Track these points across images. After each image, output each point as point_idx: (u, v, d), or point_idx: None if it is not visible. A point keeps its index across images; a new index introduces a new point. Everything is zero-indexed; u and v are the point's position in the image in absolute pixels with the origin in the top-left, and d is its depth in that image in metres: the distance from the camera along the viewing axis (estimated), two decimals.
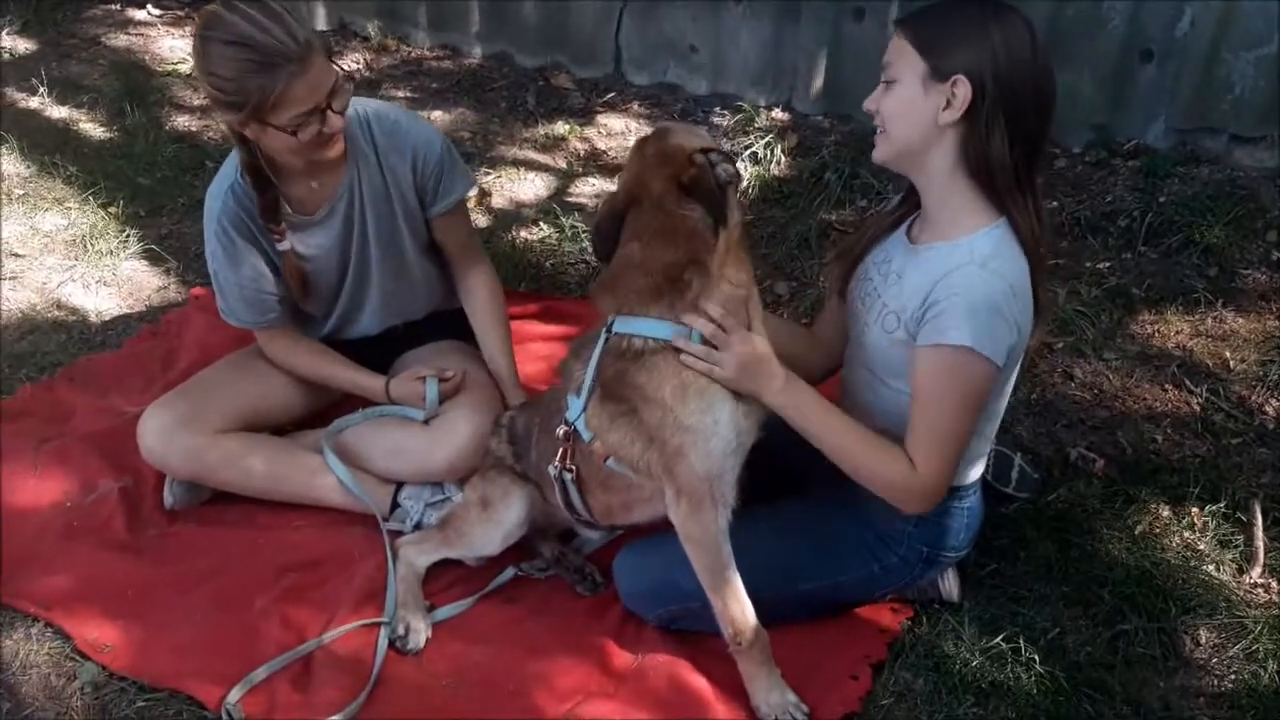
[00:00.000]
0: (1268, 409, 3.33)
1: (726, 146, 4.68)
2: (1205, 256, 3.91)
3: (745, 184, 2.33)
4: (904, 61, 2.21)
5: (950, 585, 2.72)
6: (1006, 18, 2.20)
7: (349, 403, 3.17)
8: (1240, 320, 3.66)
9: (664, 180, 2.30)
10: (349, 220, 2.89)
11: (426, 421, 2.95)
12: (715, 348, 2.29)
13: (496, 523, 2.72)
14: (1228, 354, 3.53)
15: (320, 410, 3.19)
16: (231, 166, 2.81)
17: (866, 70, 4.65)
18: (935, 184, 2.30)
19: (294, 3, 5.59)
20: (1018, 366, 2.40)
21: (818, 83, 4.86)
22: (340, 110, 2.61)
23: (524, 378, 3.39)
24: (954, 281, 2.20)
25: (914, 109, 2.22)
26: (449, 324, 3.23)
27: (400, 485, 2.98)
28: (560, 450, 2.52)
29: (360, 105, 2.86)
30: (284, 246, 2.85)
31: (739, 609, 2.40)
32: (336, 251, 2.93)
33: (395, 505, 2.96)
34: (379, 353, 3.16)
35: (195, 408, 2.92)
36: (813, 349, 2.75)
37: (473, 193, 2.98)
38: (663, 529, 2.49)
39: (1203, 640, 2.65)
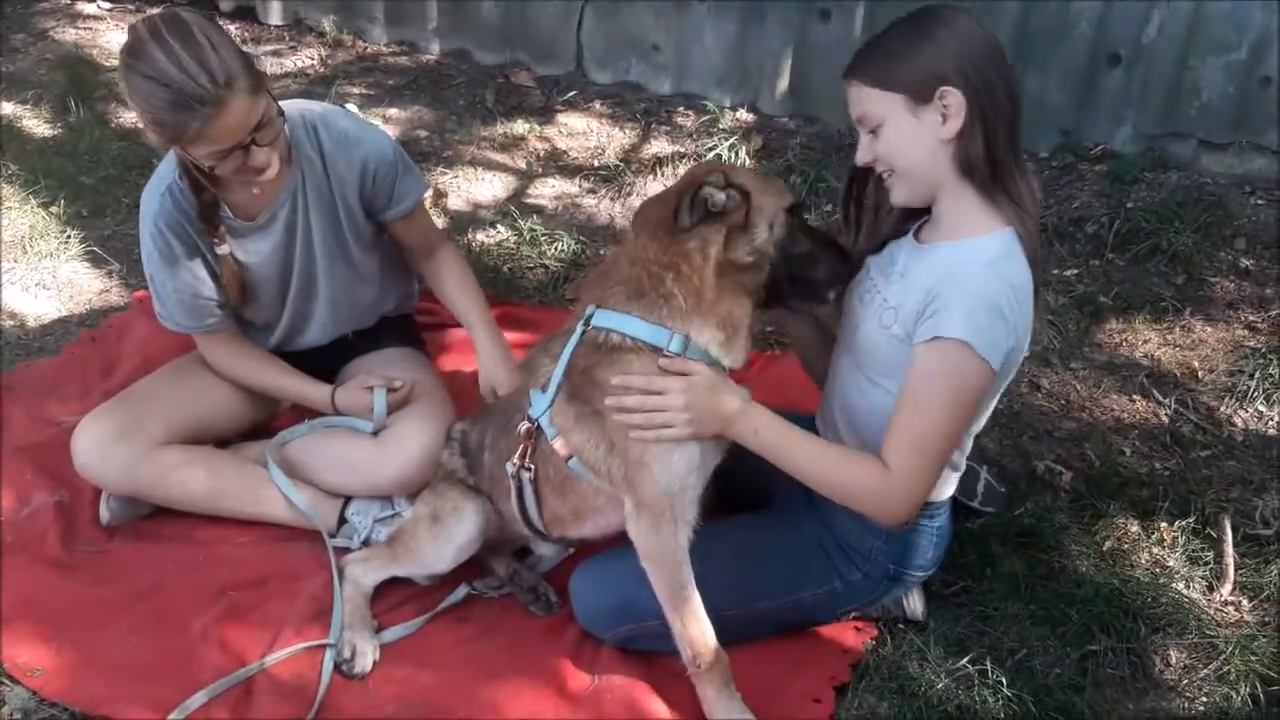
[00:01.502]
0: (1236, 420, 3.28)
1: (690, 148, 4.60)
2: (1173, 264, 3.86)
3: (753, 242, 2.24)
4: (876, 105, 2.18)
5: (915, 603, 2.65)
6: (946, 17, 2.17)
7: (295, 414, 3.07)
8: (1208, 329, 3.62)
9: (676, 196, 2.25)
10: (291, 227, 2.78)
11: (375, 433, 2.84)
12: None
13: (447, 539, 2.62)
14: (1196, 363, 3.48)
15: (265, 421, 3.08)
16: (169, 166, 2.69)
17: (833, 72, 4.53)
18: (946, 194, 2.25)
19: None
20: (1008, 380, 2.32)
21: (783, 84, 4.78)
22: (266, 144, 2.50)
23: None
24: (956, 277, 2.15)
25: (913, 138, 2.18)
26: (400, 331, 3.13)
27: (348, 500, 2.87)
28: (521, 447, 2.44)
29: (306, 109, 2.76)
30: (222, 251, 2.74)
31: (698, 630, 2.32)
32: (279, 258, 2.82)
33: (343, 521, 2.85)
34: (329, 362, 3.05)
35: (132, 419, 2.79)
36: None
37: (428, 194, 2.87)
38: (612, 544, 2.43)
39: (1173, 661, 2.59)
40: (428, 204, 4.15)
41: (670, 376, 2.23)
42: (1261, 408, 3.31)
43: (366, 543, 2.82)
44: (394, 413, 2.86)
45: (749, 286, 2.27)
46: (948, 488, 2.48)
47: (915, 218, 2.39)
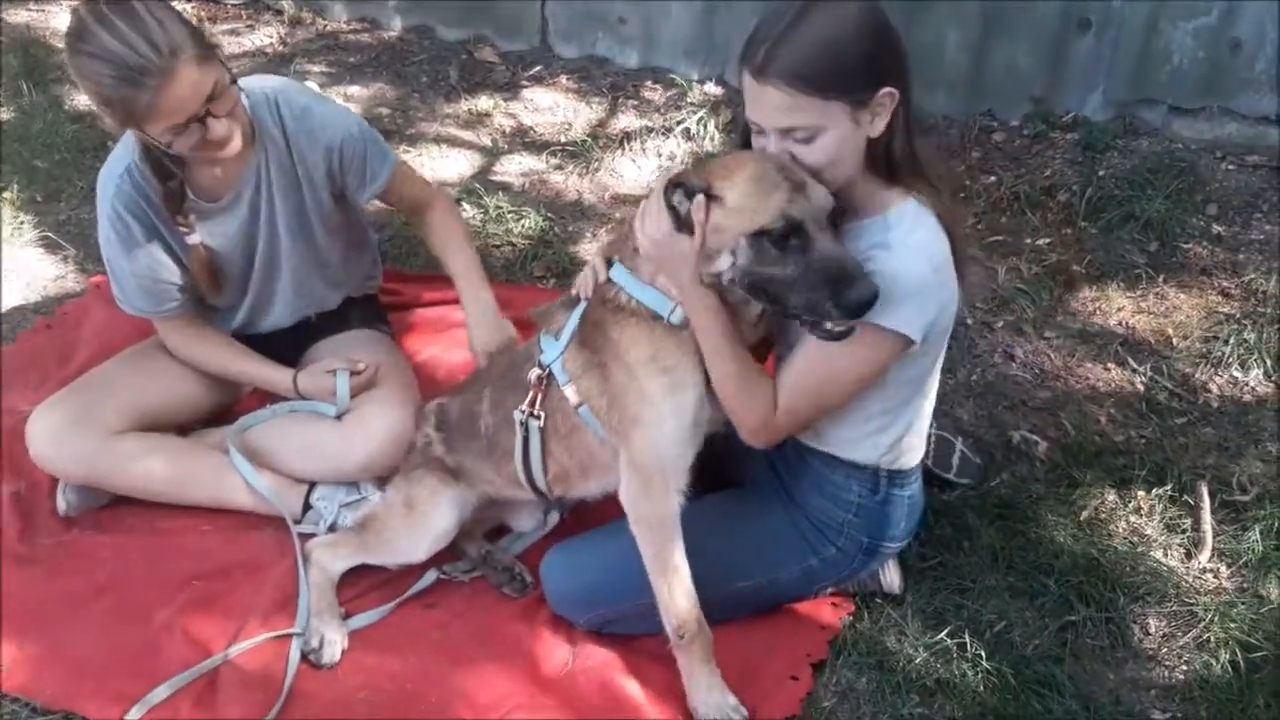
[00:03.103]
0: (1211, 387, 3.26)
1: (658, 122, 4.54)
2: (1146, 231, 3.83)
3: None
4: (812, 115, 1.99)
5: (892, 577, 2.62)
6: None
7: (258, 398, 3.00)
8: (1182, 296, 3.59)
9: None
10: (255, 207, 2.71)
11: (339, 417, 2.78)
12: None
13: (423, 528, 2.57)
14: (1170, 331, 3.45)
15: (227, 407, 3.01)
16: (125, 148, 2.62)
17: None
18: (852, 176, 2.13)
19: None
20: (945, 342, 2.27)
21: None
22: (223, 115, 2.44)
23: (449, 369, 3.26)
24: (872, 259, 2.08)
25: (848, 147, 2.05)
26: (364, 312, 3.07)
27: (313, 485, 2.81)
28: (531, 394, 2.38)
29: (268, 85, 2.69)
30: (194, 240, 2.68)
31: (684, 598, 2.28)
32: (243, 239, 2.75)
33: (307, 507, 2.79)
34: (292, 345, 2.98)
35: (89, 406, 2.72)
36: None
37: (398, 160, 2.82)
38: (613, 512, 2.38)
39: (1152, 629, 2.57)
40: None
41: (663, 218, 2.09)
42: (1237, 373, 3.29)
43: (333, 529, 2.76)
44: (358, 395, 2.79)
45: (731, 300, 2.16)
46: (914, 455, 2.44)
47: None
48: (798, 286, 1.99)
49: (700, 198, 2.04)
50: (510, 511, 2.80)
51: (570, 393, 2.32)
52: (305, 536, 2.73)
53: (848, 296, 1.95)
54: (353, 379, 2.79)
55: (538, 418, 2.39)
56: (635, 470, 2.27)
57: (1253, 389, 3.25)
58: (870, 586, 2.61)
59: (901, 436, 2.35)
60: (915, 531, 2.54)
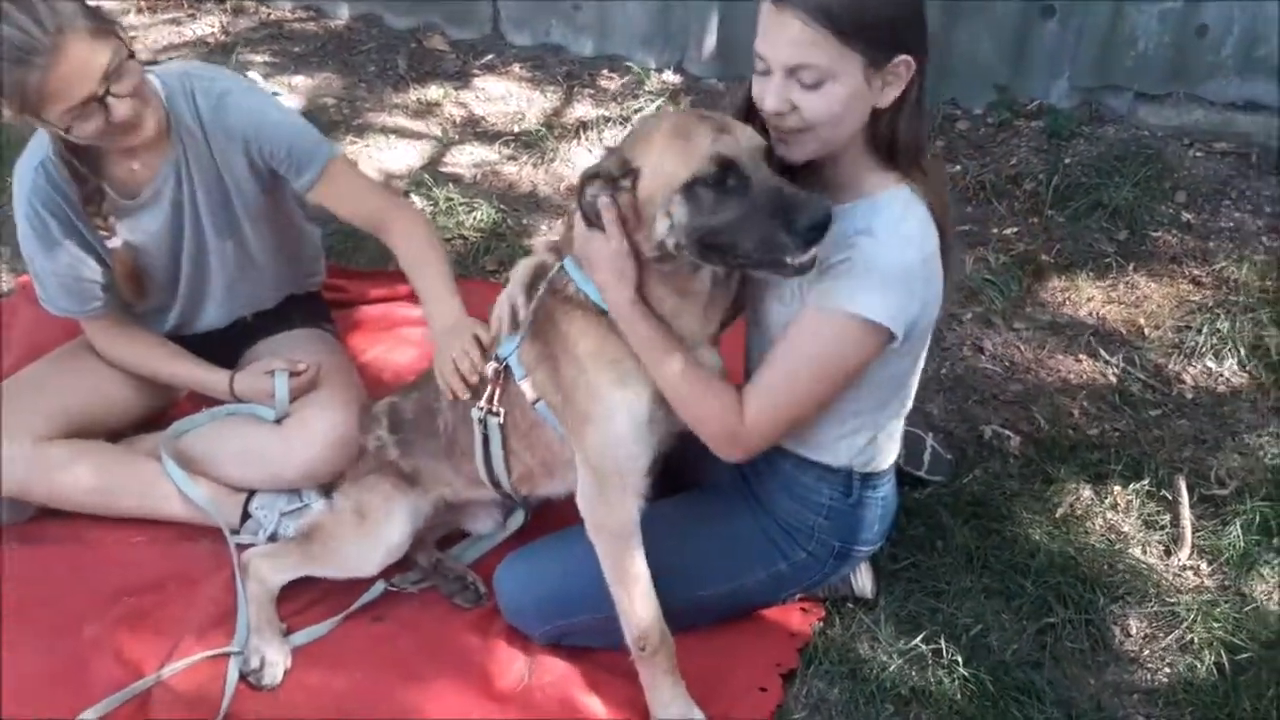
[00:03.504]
0: (1185, 377, 3.17)
1: (615, 111, 4.41)
2: (1114, 219, 3.75)
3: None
4: (827, 58, 1.84)
5: (864, 581, 2.50)
6: None
7: (193, 402, 2.84)
8: (1153, 285, 3.51)
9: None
10: (178, 203, 2.56)
11: (278, 421, 2.62)
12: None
13: (375, 539, 2.43)
14: (1142, 320, 3.37)
15: (160, 411, 2.86)
16: (40, 142, 2.47)
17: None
18: (846, 156, 2.01)
19: None
20: (926, 342, 2.15)
21: (710, 43, 4.60)
22: (126, 94, 2.28)
23: (398, 369, 3.11)
24: (861, 243, 1.95)
25: (857, 105, 1.91)
26: (305, 310, 2.91)
27: (251, 493, 2.66)
28: (489, 389, 2.24)
29: (184, 73, 2.53)
30: (115, 243, 2.54)
31: (645, 608, 2.16)
32: (167, 237, 2.60)
33: (246, 516, 2.64)
34: (229, 345, 2.83)
35: (13, 412, 2.56)
36: None
37: (336, 152, 2.62)
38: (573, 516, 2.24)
39: (1133, 631, 2.47)
40: None
41: (618, 230, 1.96)
42: (1210, 364, 3.21)
43: (273, 539, 2.61)
44: (299, 398, 2.64)
45: (684, 272, 2.01)
46: (888, 456, 2.32)
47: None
48: (745, 227, 1.84)
49: (604, 198, 1.93)
50: (466, 515, 2.66)
51: (526, 387, 2.19)
52: (244, 547, 2.57)
53: (800, 221, 1.80)
54: (293, 380, 2.64)
55: (497, 414, 2.25)
56: (590, 471, 2.14)
57: (1227, 379, 3.17)
58: (841, 591, 2.50)
59: (876, 438, 2.24)
60: (888, 534, 2.42)
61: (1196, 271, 3.55)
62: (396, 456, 2.47)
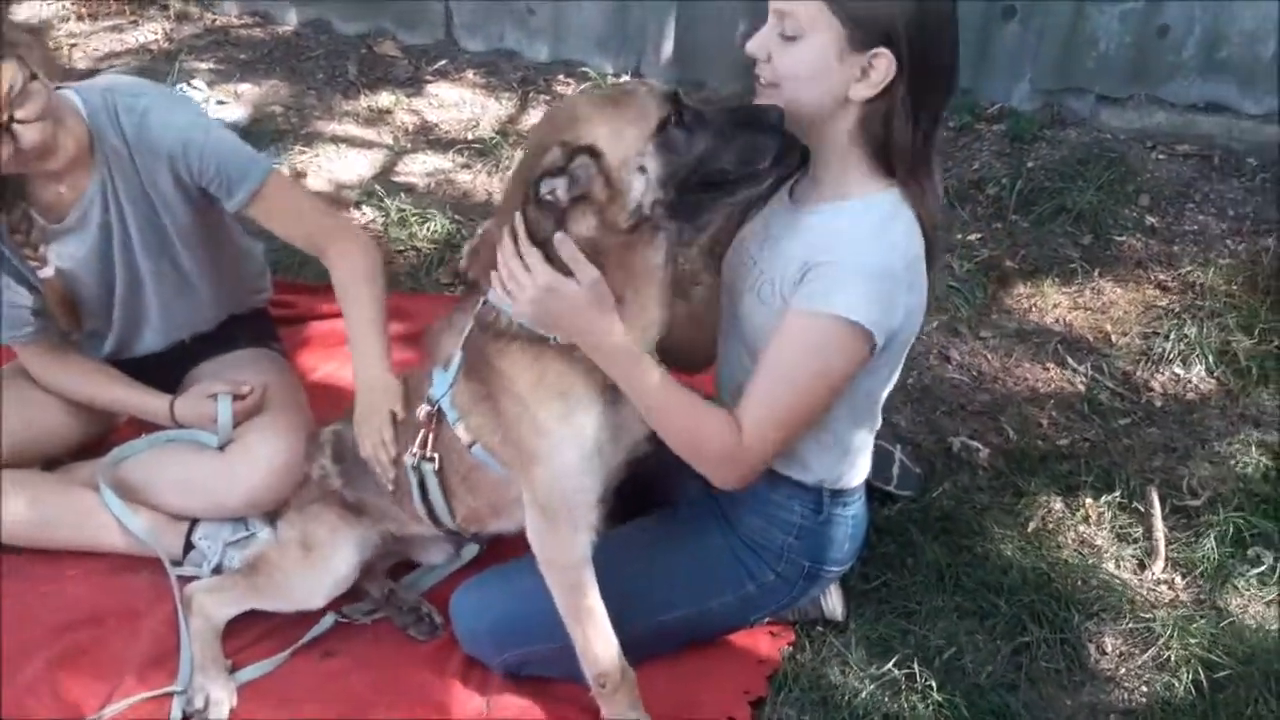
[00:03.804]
0: (1154, 385, 3.13)
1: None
2: (1078, 224, 3.71)
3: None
4: (813, 18, 1.82)
5: (834, 602, 2.43)
6: None
7: (133, 428, 2.71)
8: (1119, 290, 3.46)
9: (522, 176, 1.91)
10: (106, 226, 2.43)
11: (221, 447, 2.51)
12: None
13: (322, 570, 2.32)
14: (1109, 327, 3.32)
15: (99, 438, 2.72)
16: None
17: (719, 33, 4.35)
18: (826, 150, 1.95)
19: None
20: (904, 355, 2.07)
21: (668, 46, 4.52)
22: (33, 118, 2.16)
23: (348, 386, 2.94)
24: (841, 245, 1.88)
25: (821, 77, 1.86)
26: (250, 330, 2.79)
27: (194, 523, 2.54)
28: (420, 434, 2.13)
29: (108, 89, 2.41)
30: (46, 274, 2.42)
31: (603, 645, 2.07)
32: (97, 261, 2.47)
33: (189, 547, 2.52)
34: (169, 368, 2.69)
35: None
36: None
37: (271, 170, 2.49)
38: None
39: (1109, 649, 2.41)
40: None
41: (542, 265, 1.85)
42: (1179, 370, 3.16)
43: (218, 570, 2.49)
44: (243, 422, 2.52)
45: (648, 238, 1.90)
46: (859, 473, 2.25)
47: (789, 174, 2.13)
48: (726, 147, 1.82)
49: (560, 234, 1.83)
50: (417, 546, 2.55)
51: (461, 431, 2.08)
52: (187, 580, 2.45)
53: (767, 118, 1.83)
54: (237, 404, 2.52)
55: (431, 460, 2.14)
56: (539, 509, 2.04)
57: (1195, 386, 3.13)
58: (811, 613, 2.42)
59: (848, 453, 2.16)
60: (859, 553, 2.35)
61: (1162, 276, 3.51)
62: (340, 486, 2.36)
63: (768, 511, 2.22)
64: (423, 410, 2.13)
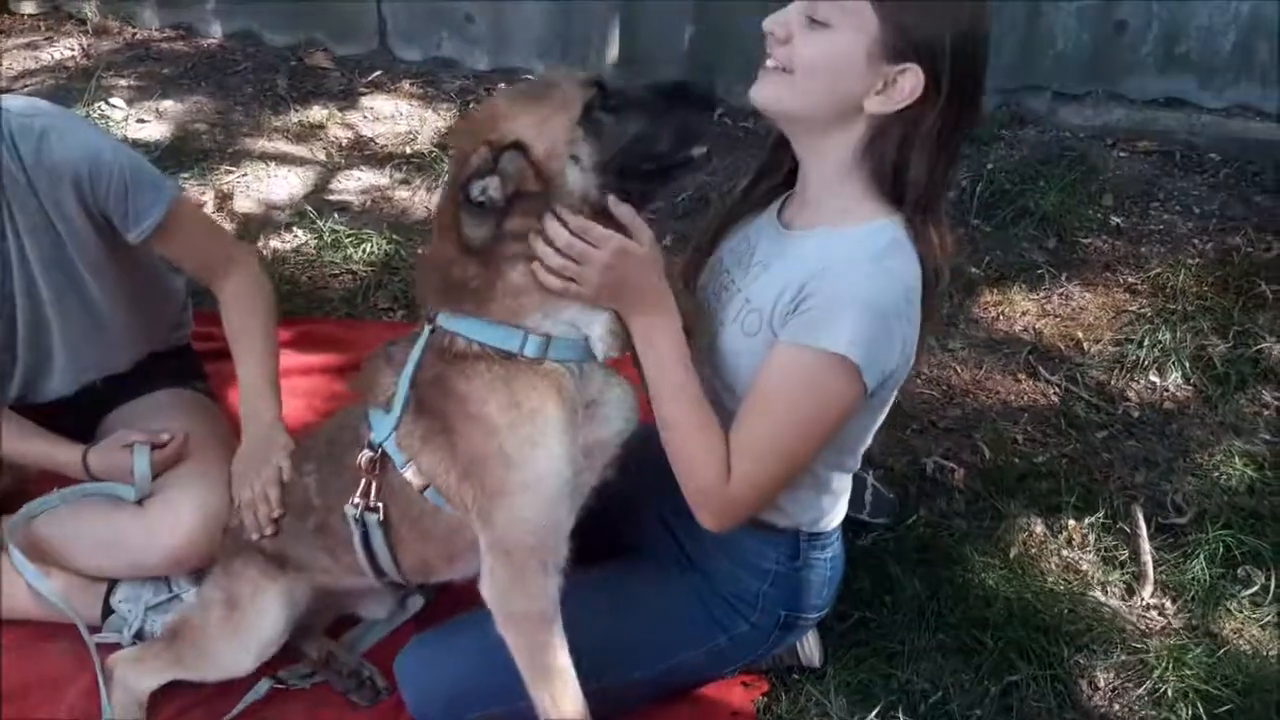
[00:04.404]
0: (1129, 394, 3.01)
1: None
2: (1042, 226, 3.60)
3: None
4: (851, 10, 1.68)
5: (810, 648, 2.27)
6: None
7: (46, 481, 2.48)
8: (1088, 295, 3.35)
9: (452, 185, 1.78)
10: (3, 257, 2.21)
11: (140, 501, 2.29)
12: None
13: (248, 633, 2.11)
14: (1080, 334, 3.20)
15: (6, 493, 2.48)
16: None
17: (666, 35, 4.21)
18: (827, 167, 1.80)
19: None
20: (892, 397, 1.91)
21: (613, 51, 4.39)
22: None
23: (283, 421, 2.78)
24: (837, 275, 1.72)
25: (842, 76, 1.70)
26: (171, 369, 2.57)
27: (113, 585, 2.33)
28: (363, 483, 1.93)
29: (4, 111, 2.19)
30: None
31: (571, 706, 1.87)
32: None
33: (108, 611, 2.31)
34: (81, 415, 2.47)
35: None
36: None
37: (178, 195, 2.29)
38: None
39: (1101, 684, 2.27)
40: (210, 208, 3.62)
41: (609, 232, 1.72)
42: (1154, 378, 3.05)
43: (140, 636, 2.28)
44: (162, 473, 2.31)
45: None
46: (836, 514, 2.09)
47: (772, 185, 1.98)
48: (659, 126, 1.73)
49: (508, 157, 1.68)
50: (354, 599, 2.35)
51: (411, 475, 1.89)
52: (107, 648, 2.25)
53: (694, 90, 1.77)
54: (155, 453, 2.31)
55: (375, 510, 1.95)
56: (501, 556, 1.84)
57: (1172, 394, 3.02)
58: (786, 661, 2.26)
59: (827, 496, 2.01)
60: (836, 597, 2.18)
61: (1131, 279, 3.40)
62: (265, 543, 2.15)
63: (740, 557, 2.06)
64: (364, 456, 1.93)
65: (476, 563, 1.94)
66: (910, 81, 1.67)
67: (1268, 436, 2.89)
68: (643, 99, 1.75)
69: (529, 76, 4.40)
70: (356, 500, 1.94)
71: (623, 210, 1.73)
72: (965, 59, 1.69)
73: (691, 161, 1.78)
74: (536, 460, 1.78)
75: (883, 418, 1.95)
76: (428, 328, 1.86)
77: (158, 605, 2.29)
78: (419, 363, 1.86)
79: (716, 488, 1.80)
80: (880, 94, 1.69)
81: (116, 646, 2.26)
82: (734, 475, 1.79)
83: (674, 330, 1.81)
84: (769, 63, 1.75)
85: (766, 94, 1.77)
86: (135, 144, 3.95)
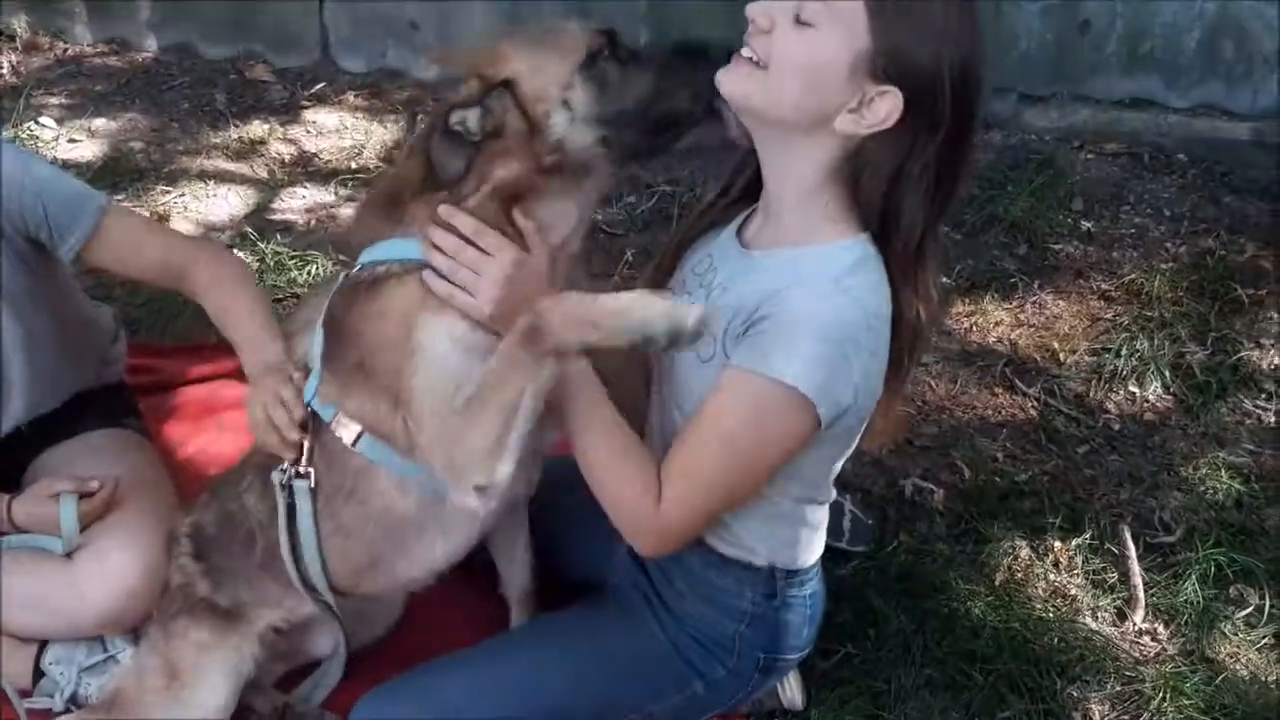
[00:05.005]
0: (1109, 406, 2.92)
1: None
2: (1012, 233, 3.51)
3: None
4: (842, 14, 1.55)
5: (792, 690, 2.15)
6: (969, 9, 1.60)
7: None
8: (1062, 303, 3.26)
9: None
10: None
11: (69, 555, 2.13)
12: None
13: (190, 704, 1.94)
14: (1055, 344, 3.10)
15: None
16: None
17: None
18: (792, 182, 1.67)
19: None
20: (858, 431, 1.77)
21: None
22: None
23: (227, 461, 2.59)
24: (792, 297, 1.60)
25: (819, 83, 1.57)
26: (101, 407, 2.40)
27: (44, 646, 2.16)
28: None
29: None
30: None
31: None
32: None
33: (40, 674, 2.14)
34: (5, 461, 2.30)
35: None
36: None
37: (107, 206, 2.13)
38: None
39: (1096, 717, 2.18)
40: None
41: (504, 240, 1.65)
42: (1134, 389, 2.96)
43: (74, 701, 2.11)
44: (92, 523, 2.14)
45: (569, 186, 1.71)
46: (813, 549, 1.96)
47: (735, 199, 1.87)
48: (670, 84, 1.67)
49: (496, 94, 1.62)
50: (306, 637, 2.18)
51: (342, 426, 1.75)
52: (39, 715, 2.09)
53: (711, 51, 1.66)
54: (84, 501, 2.14)
55: (305, 476, 1.80)
56: (430, 443, 1.66)
57: (1153, 404, 2.93)
58: (767, 704, 2.14)
59: (802, 530, 1.89)
60: (818, 633, 2.06)
61: (1105, 285, 3.31)
62: (208, 591, 1.98)
63: (714, 598, 1.93)
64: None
65: (424, 557, 1.88)
66: (887, 106, 1.55)
67: (1251, 447, 2.82)
68: (654, 55, 1.70)
69: None
70: (285, 465, 1.81)
71: (526, 224, 1.67)
72: (965, 91, 1.57)
73: (700, 120, 1.69)
74: (439, 344, 1.66)
75: (851, 449, 1.82)
76: (341, 274, 1.78)
77: (92, 667, 2.13)
78: (330, 307, 1.76)
79: (647, 512, 1.70)
80: (853, 112, 1.57)
81: (49, 713, 2.10)
82: (666, 497, 1.68)
83: (578, 361, 1.68)
84: (744, 51, 1.62)
85: (733, 86, 1.63)
86: (67, 165, 3.75)
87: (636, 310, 1.54)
